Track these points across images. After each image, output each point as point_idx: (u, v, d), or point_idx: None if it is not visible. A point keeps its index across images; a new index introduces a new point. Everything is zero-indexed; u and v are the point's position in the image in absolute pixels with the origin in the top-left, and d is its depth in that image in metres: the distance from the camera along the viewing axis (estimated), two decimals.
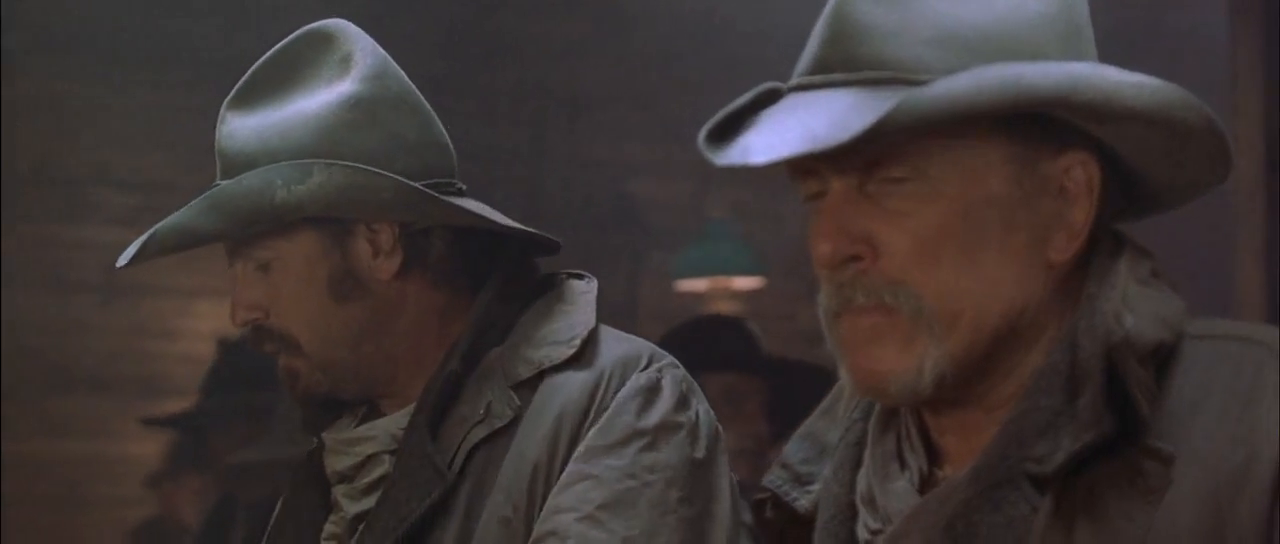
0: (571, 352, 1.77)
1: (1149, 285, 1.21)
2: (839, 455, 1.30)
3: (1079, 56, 1.21)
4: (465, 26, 5.19)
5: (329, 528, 1.80)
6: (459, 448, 1.72)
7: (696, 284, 5.54)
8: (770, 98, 1.23)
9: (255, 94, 1.81)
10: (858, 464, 1.28)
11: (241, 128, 1.80)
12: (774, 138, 1.16)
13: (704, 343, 3.29)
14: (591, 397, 1.73)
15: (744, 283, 5.56)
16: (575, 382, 1.74)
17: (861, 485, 1.26)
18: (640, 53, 5.34)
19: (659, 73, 5.32)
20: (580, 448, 1.70)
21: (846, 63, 1.18)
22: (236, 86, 1.80)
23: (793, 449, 1.35)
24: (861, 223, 1.18)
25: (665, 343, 3.41)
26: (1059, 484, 1.15)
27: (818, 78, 1.20)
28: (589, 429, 1.72)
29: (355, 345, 1.77)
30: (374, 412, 1.82)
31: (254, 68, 1.82)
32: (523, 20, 5.24)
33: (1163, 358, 1.17)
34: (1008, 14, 1.19)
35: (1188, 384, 1.17)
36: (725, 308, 5.40)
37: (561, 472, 1.70)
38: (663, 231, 5.76)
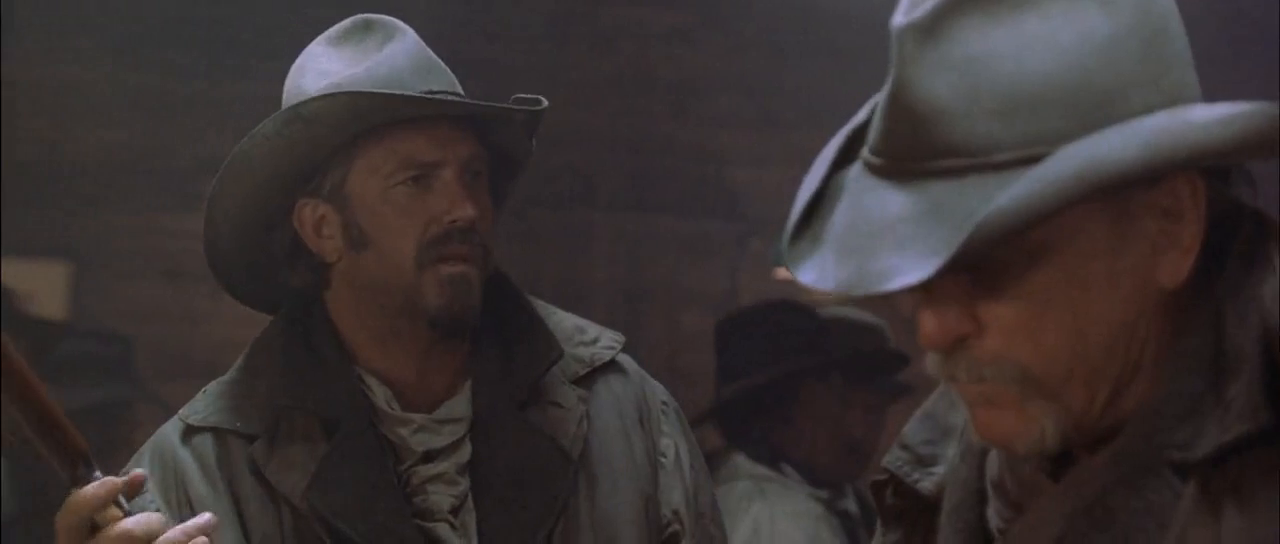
0: (610, 355, 1.95)
1: None
2: (966, 440, 1.28)
3: (1166, 64, 1.15)
4: (570, 15, 5.21)
5: (431, 502, 1.82)
6: (571, 435, 1.82)
7: None
8: (848, 154, 1.20)
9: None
10: (986, 450, 1.26)
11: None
12: (851, 264, 1.12)
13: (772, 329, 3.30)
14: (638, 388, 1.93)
15: None
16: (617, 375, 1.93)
17: (991, 470, 1.24)
18: (744, 41, 5.33)
19: (762, 61, 5.31)
20: (683, 450, 1.90)
21: (914, 151, 1.14)
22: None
23: (913, 430, 1.33)
24: (962, 299, 1.16)
25: (730, 327, 3.41)
26: (1204, 472, 1.12)
27: (891, 164, 1.16)
28: (657, 420, 1.92)
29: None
30: (451, 392, 1.87)
31: None
32: (628, 8, 5.25)
33: None
34: (1076, 48, 1.12)
35: None
36: (824, 297, 5.38)
37: (652, 457, 1.87)
38: (764, 220, 5.74)
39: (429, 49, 1.90)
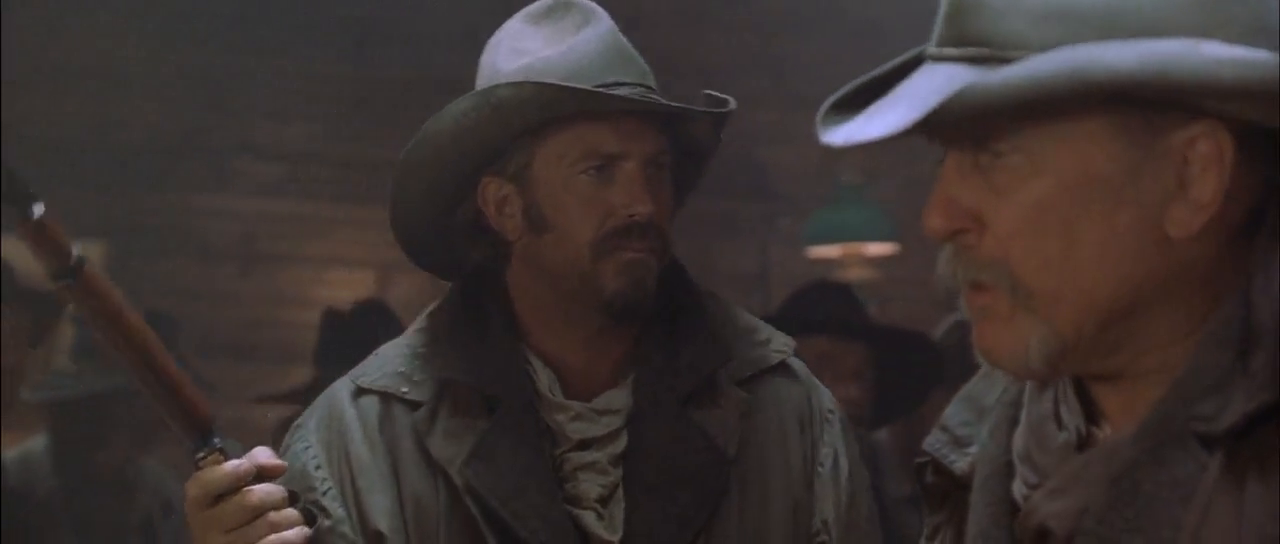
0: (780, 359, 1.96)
1: None
2: (996, 415, 1.29)
3: (1225, 20, 1.14)
4: None
5: (581, 489, 1.84)
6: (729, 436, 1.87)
7: (829, 251, 5.50)
8: (917, 62, 1.23)
9: None
10: (1014, 424, 1.26)
11: None
12: (873, 119, 1.16)
13: (806, 308, 3.30)
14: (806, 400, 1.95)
15: (877, 249, 5.52)
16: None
17: (1018, 444, 1.25)
18: (770, 19, 5.33)
19: (791, 40, 5.31)
20: (843, 459, 1.93)
21: (957, 38, 1.17)
22: None
23: (953, 412, 1.33)
24: (970, 197, 1.17)
25: (781, 310, 3.41)
26: (1229, 444, 1.12)
27: (934, 51, 1.19)
28: (820, 427, 1.94)
29: None
30: (613, 383, 1.88)
31: None
32: None
33: None
34: None
35: None
36: (857, 274, 5.38)
37: (809, 464, 1.92)
38: (794, 198, 5.74)
39: (623, 36, 1.92)
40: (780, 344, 1.95)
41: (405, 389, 1.85)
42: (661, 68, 1.93)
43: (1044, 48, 1.12)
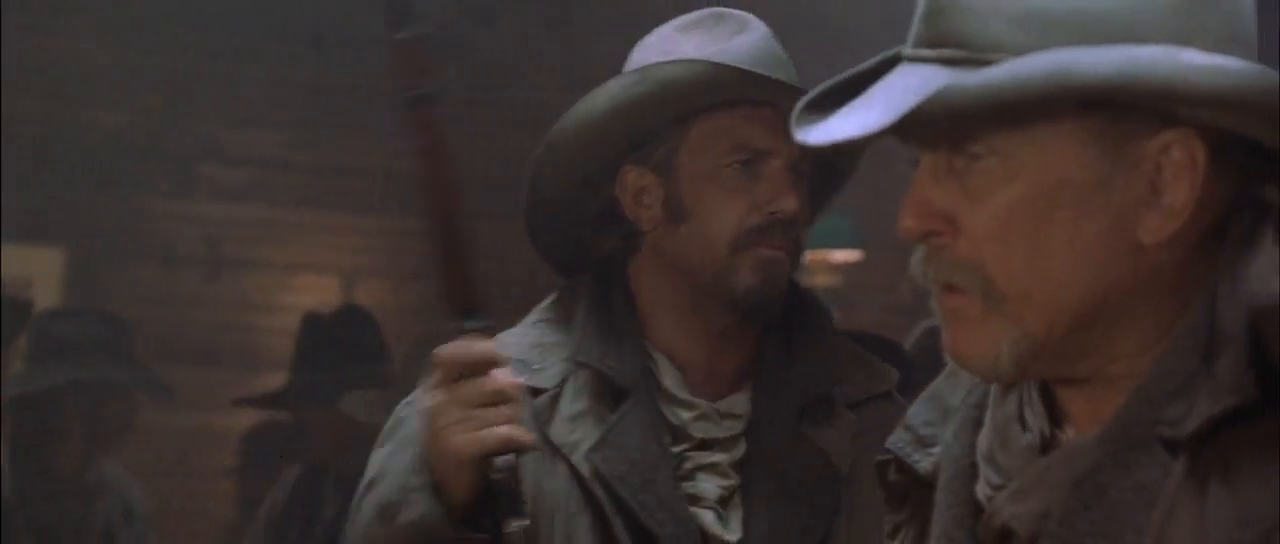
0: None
1: None
2: (960, 416, 1.29)
3: (1200, 27, 1.15)
4: (567, 1, 5.20)
5: (701, 488, 1.84)
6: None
7: None
8: (893, 63, 1.23)
9: None
10: (979, 425, 1.27)
11: None
12: (848, 118, 1.17)
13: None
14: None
15: (843, 256, 5.54)
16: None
17: (982, 446, 1.25)
18: None
19: None
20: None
21: (934, 39, 1.17)
22: None
23: (917, 411, 1.34)
24: (944, 199, 1.17)
25: None
26: (1192, 448, 1.12)
27: (910, 52, 1.20)
28: None
29: None
30: (733, 389, 1.88)
31: None
32: None
33: None
34: None
35: None
36: (823, 281, 5.38)
37: None
38: None
39: (779, 45, 1.92)
40: (888, 374, 1.95)
41: (526, 376, 1.83)
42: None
43: (1022, 51, 1.12)
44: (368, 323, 3.87)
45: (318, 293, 5.08)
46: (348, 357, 3.72)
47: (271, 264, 5.37)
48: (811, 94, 1.24)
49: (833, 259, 5.54)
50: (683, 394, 1.86)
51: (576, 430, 1.82)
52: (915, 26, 1.20)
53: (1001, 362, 1.17)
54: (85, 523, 3.49)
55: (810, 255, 5.51)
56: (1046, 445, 1.22)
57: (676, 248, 1.86)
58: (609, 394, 1.85)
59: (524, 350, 1.87)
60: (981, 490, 1.23)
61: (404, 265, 5.21)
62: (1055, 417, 1.23)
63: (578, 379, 1.85)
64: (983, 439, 1.25)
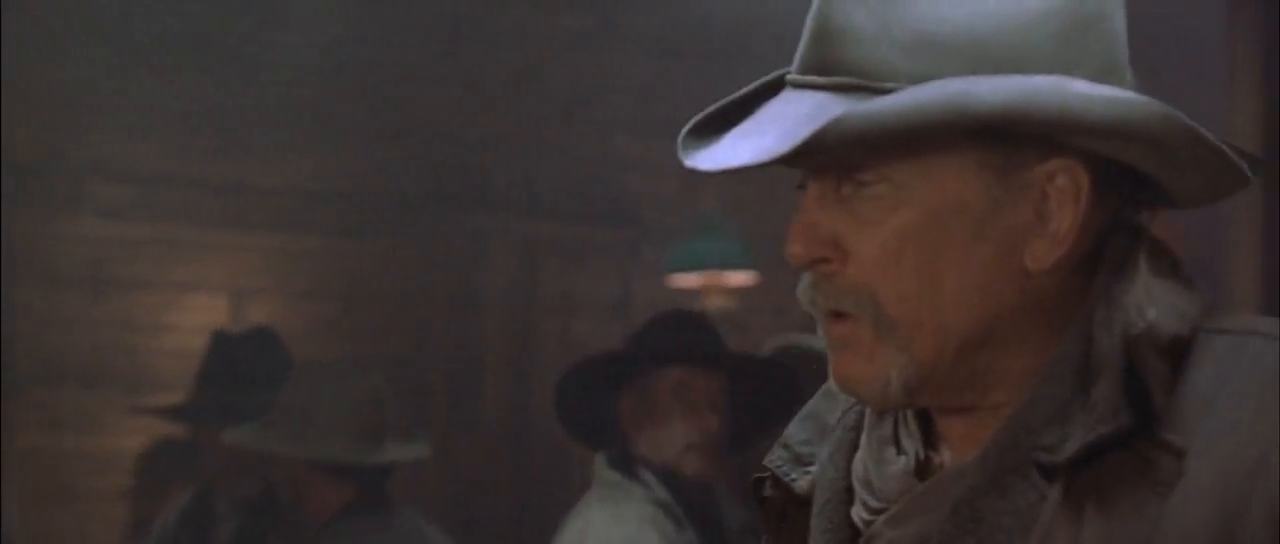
0: None
1: (1167, 278, 1.21)
2: (835, 439, 1.31)
3: (1082, 56, 1.18)
4: (463, 17, 5.18)
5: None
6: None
7: (690, 280, 5.52)
8: (776, 87, 1.24)
9: None
10: (855, 448, 1.28)
11: None
12: (740, 144, 1.17)
13: (662, 338, 3.29)
14: None
15: (738, 278, 5.55)
16: None
17: (858, 469, 1.26)
18: (638, 45, 5.33)
19: (657, 65, 5.31)
20: None
21: (822, 66, 1.19)
22: None
23: (794, 429, 1.35)
24: (832, 225, 1.19)
25: (630, 339, 3.40)
26: (1068, 474, 1.15)
27: (797, 78, 1.21)
28: None
29: None
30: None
31: None
32: (522, 11, 5.23)
33: (1179, 352, 1.17)
34: (999, 13, 1.16)
35: (1203, 378, 1.16)
36: (718, 304, 5.39)
37: None
38: (656, 227, 5.74)
39: None
40: None
41: None
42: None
43: (914, 79, 1.14)
44: (276, 345, 3.85)
45: (206, 314, 5.02)
46: (253, 379, 3.70)
47: (158, 284, 5.29)
48: (697, 118, 1.26)
49: (728, 282, 5.55)
50: None
51: None
52: (802, 51, 1.21)
53: (891, 388, 1.19)
54: None
55: (706, 278, 5.52)
56: (921, 468, 1.23)
57: None
58: None
59: None
60: (858, 514, 1.25)
61: (295, 285, 5.16)
62: (930, 439, 1.24)
63: None
64: (858, 463, 1.27)
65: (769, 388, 3.28)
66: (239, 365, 3.73)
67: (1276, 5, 3.07)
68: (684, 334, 3.31)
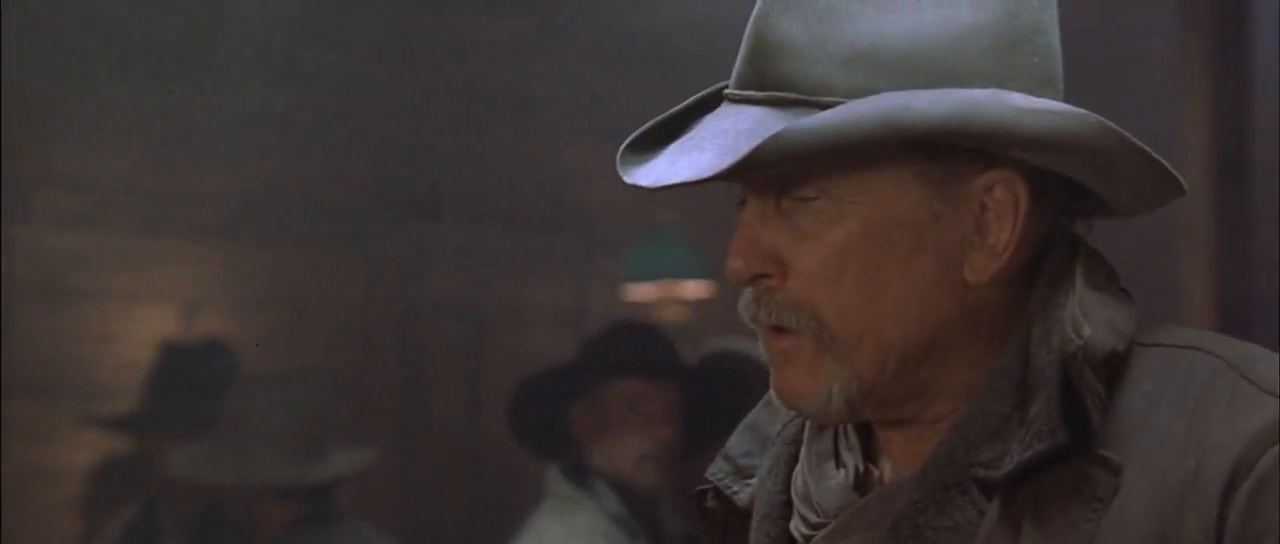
0: None
1: (1103, 291, 1.21)
2: (775, 452, 1.31)
3: (1019, 69, 1.19)
4: (409, 24, 5.16)
5: None
6: None
7: (646, 290, 5.52)
8: (714, 101, 1.25)
9: None
10: (794, 461, 1.29)
11: None
12: (679, 159, 1.19)
13: (615, 348, 3.29)
14: None
15: (693, 288, 5.55)
16: None
17: (797, 483, 1.27)
18: (589, 52, 5.32)
19: (606, 73, 5.31)
20: None
21: (760, 81, 1.19)
22: None
23: (735, 441, 1.36)
24: (772, 241, 1.20)
25: (583, 350, 3.40)
26: (1006, 490, 1.16)
27: (735, 92, 1.21)
28: None
29: None
30: None
31: None
32: (469, 18, 5.22)
33: (1114, 367, 1.18)
34: (935, 28, 1.17)
35: (1137, 393, 1.17)
36: (674, 314, 5.39)
37: None
38: (611, 235, 5.74)
39: None
40: None
41: None
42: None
43: (852, 93, 1.15)
44: (227, 355, 3.85)
45: (158, 323, 4.99)
46: (202, 390, 3.70)
47: (108, 293, 5.26)
48: (635, 134, 1.27)
49: (683, 292, 5.55)
50: None
51: None
52: (740, 66, 1.22)
53: (832, 402, 1.19)
54: None
55: (661, 288, 5.51)
56: (861, 482, 1.24)
57: None
58: None
59: None
60: (796, 528, 1.25)
61: (247, 295, 5.14)
62: (871, 452, 1.25)
63: None
64: (798, 476, 1.28)
65: (722, 398, 3.27)
66: (188, 376, 3.72)
67: (1227, 26, 3.09)
68: (637, 345, 3.31)
